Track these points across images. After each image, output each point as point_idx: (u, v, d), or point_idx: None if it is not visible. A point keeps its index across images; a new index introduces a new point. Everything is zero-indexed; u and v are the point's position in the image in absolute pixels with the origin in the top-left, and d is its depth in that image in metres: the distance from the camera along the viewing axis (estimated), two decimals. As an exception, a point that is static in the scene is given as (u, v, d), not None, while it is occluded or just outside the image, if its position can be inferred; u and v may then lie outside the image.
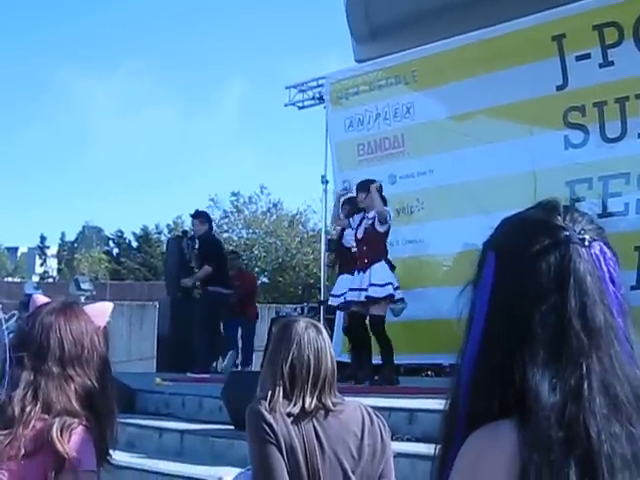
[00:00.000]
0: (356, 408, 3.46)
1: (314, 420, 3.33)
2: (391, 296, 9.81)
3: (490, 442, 1.35)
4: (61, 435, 2.56)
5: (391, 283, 9.81)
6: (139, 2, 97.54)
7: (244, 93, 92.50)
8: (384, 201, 10.25)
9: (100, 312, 2.84)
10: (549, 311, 1.38)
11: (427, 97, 12.20)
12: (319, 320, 12.55)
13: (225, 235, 37.48)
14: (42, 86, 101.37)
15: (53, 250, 66.47)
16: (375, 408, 3.63)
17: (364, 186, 10.30)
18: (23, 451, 2.54)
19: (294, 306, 15.76)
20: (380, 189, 10.30)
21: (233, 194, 39.47)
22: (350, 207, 10.93)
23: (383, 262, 9.92)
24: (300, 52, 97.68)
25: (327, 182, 13.44)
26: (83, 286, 26.42)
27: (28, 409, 2.57)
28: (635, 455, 1.33)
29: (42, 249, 66.76)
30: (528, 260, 1.42)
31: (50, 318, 2.70)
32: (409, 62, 12.32)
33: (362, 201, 10.26)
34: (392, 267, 10.06)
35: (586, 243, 1.44)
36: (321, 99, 13.74)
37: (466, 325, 1.47)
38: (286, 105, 14.20)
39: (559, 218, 1.46)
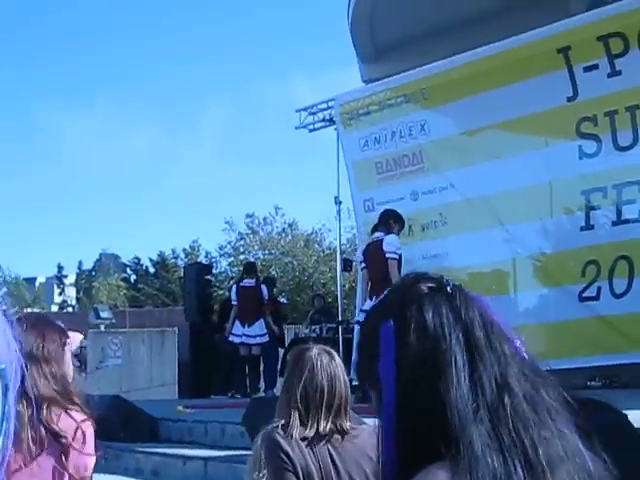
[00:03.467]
0: (372, 432, 3.51)
1: (329, 444, 3.40)
2: None
3: None
4: (51, 419, 2.80)
5: None
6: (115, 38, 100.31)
7: (228, 116, 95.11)
8: (402, 224, 10.32)
9: (75, 339, 3.14)
10: (457, 348, 1.48)
11: (439, 114, 12.27)
12: (337, 340, 12.64)
13: (241, 257, 37.53)
14: (32, 127, 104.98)
15: (71, 279, 66.61)
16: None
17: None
18: (34, 448, 2.70)
19: (312, 327, 15.79)
20: (393, 216, 10.35)
21: (248, 216, 39.50)
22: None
23: None
24: (269, 72, 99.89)
25: (340, 202, 13.54)
26: (102, 314, 26.67)
27: (23, 410, 2.74)
28: (566, 451, 1.41)
29: (60, 278, 66.89)
30: (423, 315, 1.51)
31: (30, 332, 2.95)
32: (417, 80, 12.40)
33: None
34: None
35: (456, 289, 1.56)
36: (331, 121, 13.84)
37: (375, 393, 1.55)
38: (297, 128, 14.28)
39: (423, 279, 1.58)
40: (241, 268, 17.63)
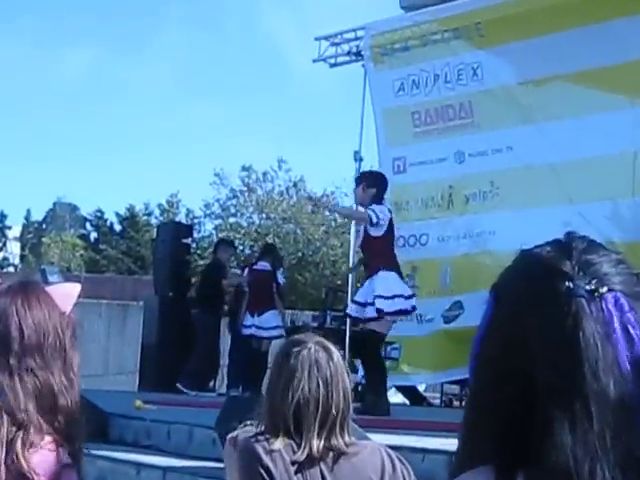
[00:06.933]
0: (374, 450, 3.52)
1: (321, 464, 3.39)
2: (400, 311, 9.79)
3: None
4: (25, 452, 2.58)
5: (401, 295, 9.73)
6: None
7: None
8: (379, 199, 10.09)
9: (65, 294, 2.81)
10: (551, 377, 1.41)
11: (497, 57, 12.21)
12: (345, 332, 12.65)
13: (232, 220, 37.63)
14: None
15: (15, 232, 66.76)
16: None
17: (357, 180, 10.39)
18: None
19: (314, 314, 15.83)
20: (380, 181, 10.23)
21: (244, 169, 39.56)
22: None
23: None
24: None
25: (361, 160, 13.47)
26: (51, 278, 26.46)
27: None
28: None
29: (1, 230, 67.13)
30: (525, 312, 1.46)
31: (6, 301, 2.69)
32: (472, 12, 12.32)
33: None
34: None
35: (596, 295, 1.44)
36: (358, 55, 13.75)
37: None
38: (315, 61, 14.20)
39: (567, 263, 1.48)
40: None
